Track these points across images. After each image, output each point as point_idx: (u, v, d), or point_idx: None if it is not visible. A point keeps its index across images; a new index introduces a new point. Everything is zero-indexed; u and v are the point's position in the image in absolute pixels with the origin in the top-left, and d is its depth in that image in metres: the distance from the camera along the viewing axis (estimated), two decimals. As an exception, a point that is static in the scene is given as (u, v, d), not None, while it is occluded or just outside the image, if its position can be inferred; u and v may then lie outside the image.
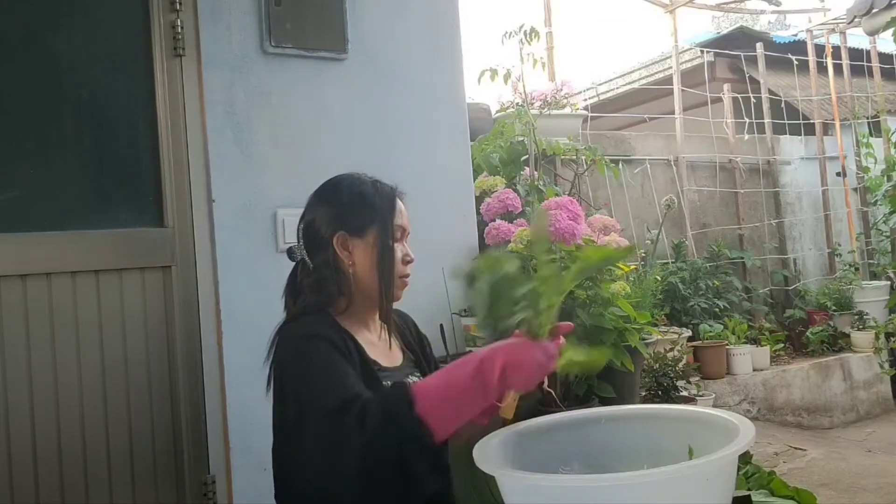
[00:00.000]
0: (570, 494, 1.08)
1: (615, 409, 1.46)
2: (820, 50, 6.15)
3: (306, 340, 1.30)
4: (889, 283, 5.49)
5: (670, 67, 5.64)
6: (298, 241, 1.44)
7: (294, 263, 1.47)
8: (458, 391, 1.14)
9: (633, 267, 2.87)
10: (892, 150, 5.80)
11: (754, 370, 4.47)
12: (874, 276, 5.76)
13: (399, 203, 1.44)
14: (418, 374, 1.49)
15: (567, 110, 4.06)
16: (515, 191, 2.91)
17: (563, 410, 1.40)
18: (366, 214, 1.39)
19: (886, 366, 4.78)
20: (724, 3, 7.31)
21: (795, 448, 3.69)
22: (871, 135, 5.88)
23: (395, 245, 1.40)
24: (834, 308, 5.22)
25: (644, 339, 2.48)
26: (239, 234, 2.15)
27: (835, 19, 6.53)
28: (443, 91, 2.55)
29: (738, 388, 4.32)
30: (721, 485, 1.11)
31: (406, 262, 1.43)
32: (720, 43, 6.50)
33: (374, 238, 1.38)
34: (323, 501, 1.29)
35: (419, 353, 1.55)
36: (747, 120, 5.65)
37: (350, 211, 1.39)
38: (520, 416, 1.23)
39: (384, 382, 1.34)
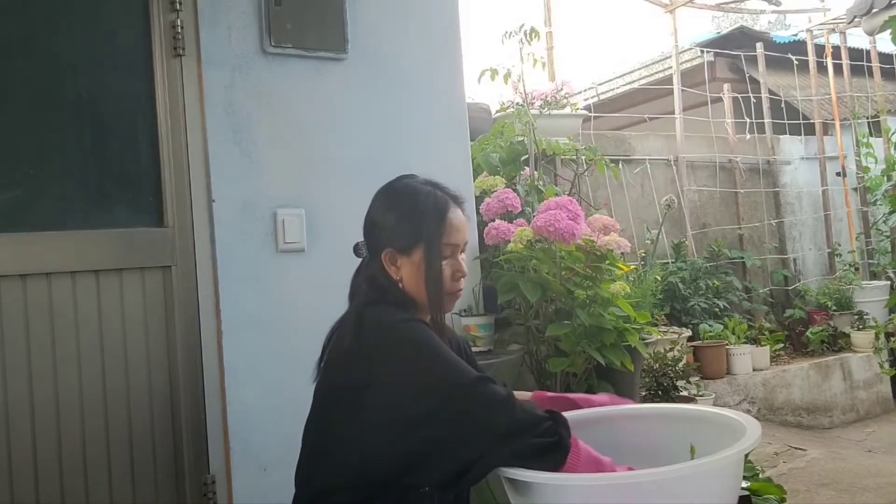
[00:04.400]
0: (570, 494, 1.08)
1: (615, 409, 1.46)
2: (820, 50, 6.15)
3: (404, 323, 1.29)
4: (889, 283, 5.49)
5: (670, 67, 5.63)
6: (364, 237, 1.46)
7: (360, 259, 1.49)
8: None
9: (633, 267, 2.87)
10: (892, 150, 5.80)
11: (754, 370, 4.46)
12: (874, 276, 5.76)
13: (453, 216, 1.40)
14: None
15: (567, 110, 4.05)
16: (515, 191, 2.91)
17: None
18: (414, 233, 1.37)
19: (886, 366, 4.77)
20: (724, 3, 7.29)
21: (795, 448, 3.69)
22: (871, 135, 5.87)
23: (445, 262, 1.39)
24: (834, 308, 5.21)
25: (644, 339, 2.48)
26: (239, 234, 2.15)
27: (835, 19, 6.51)
28: (443, 91, 2.55)
29: (738, 388, 4.32)
30: (726, 484, 1.11)
31: (457, 278, 1.42)
32: (720, 43, 6.49)
33: (421, 258, 1.37)
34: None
35: None
36: (747, 120, 5.64)
37: (399, 226, 1.39)
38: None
39: None
